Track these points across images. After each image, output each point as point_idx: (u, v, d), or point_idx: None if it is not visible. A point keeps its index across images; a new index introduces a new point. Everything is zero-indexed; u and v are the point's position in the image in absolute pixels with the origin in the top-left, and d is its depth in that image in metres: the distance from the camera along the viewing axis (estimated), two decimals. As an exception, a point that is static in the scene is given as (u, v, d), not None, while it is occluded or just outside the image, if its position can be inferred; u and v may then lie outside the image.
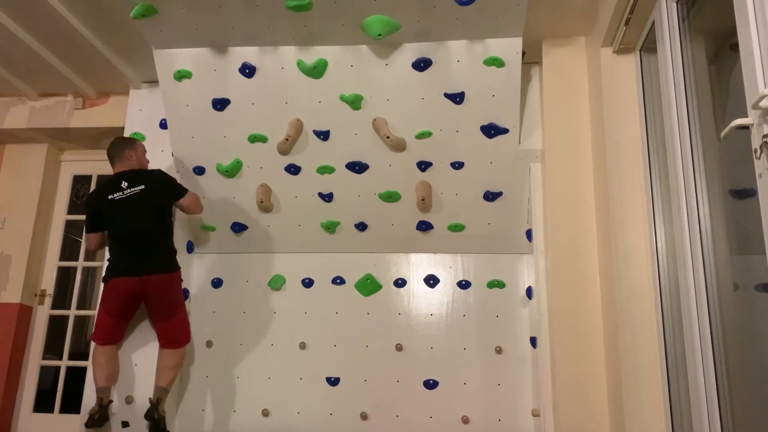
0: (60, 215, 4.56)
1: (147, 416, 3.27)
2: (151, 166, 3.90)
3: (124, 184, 3.47)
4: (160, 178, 3.56)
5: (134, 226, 3.42)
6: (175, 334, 3.49)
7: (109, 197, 3.45)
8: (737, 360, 2.04)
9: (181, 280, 3.60)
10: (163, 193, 3.52)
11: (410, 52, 3.35)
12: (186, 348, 3.57)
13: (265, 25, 3.28)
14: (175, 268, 3.54)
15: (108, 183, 3.55)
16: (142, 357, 3.59)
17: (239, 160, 3.76)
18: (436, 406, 3.70)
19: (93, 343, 3.51)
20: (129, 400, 3.53)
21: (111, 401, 3.45)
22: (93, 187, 4.55)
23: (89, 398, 3.51)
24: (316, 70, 3.44)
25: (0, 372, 4.13)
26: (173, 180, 3.61)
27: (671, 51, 2.45)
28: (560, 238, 3.22)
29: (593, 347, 3.02)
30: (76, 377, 4.02)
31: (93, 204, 3.56)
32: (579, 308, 3.09)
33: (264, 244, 4.00)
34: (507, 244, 3.84)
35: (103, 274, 3.52)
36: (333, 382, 3.80)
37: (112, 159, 3.59)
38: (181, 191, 3.55)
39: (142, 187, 3.46)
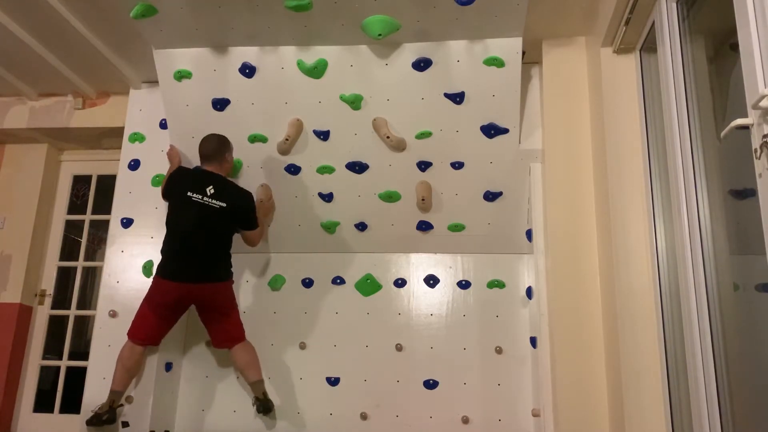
0: (60, 215, 4.55)
1: (262, 411, 3.44)
2: (152, 167, 3.91)
3: (210, 191, 3.36)
4: (244, 204, 3.49)
5: (197, 237, 3.35)
6: (231, 334, 3.51)
7: (188, 194, 3.35)
8: (737, 360, 2.04)
9: (233, 284, 3.56)
10: (239, 219, 3.49)
11: (410, 52, 3.35)
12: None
13: (265, 25, 3.28)
14: (227, 277, 3.49)
15: (194, 176, 3.46)
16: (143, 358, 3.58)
17: (239, 160, 3.75)
18: (436, 406, 3.70)
19: (128, 341, 3.36)
20: (129, 400, 3.52)
21: (122, 405, 3.44)
22: (93, 187, 4.55)
23: (89, 398, 3.51)
24: (316, 70, 3.44)
25: (0, 372, 4.13)
26: (255, 210, 3.55)
27: (671, 51, 2.45)
28: (560, 238, 3.22)
29: (593, 347, 3.02)
30: (76, 377, 4.01)
31: (173, 186, 3.47)
32: (579, 308, 3.09)
33: (264, 244, 3.99)
34: (507, 244, 3.84)
35: (156, 266, 3.45)
36: (333, 382, 3.80)
37: (206, 157, 3.48)
38: (255, 224, 3.54)
39: (224, 205, 3.37)
